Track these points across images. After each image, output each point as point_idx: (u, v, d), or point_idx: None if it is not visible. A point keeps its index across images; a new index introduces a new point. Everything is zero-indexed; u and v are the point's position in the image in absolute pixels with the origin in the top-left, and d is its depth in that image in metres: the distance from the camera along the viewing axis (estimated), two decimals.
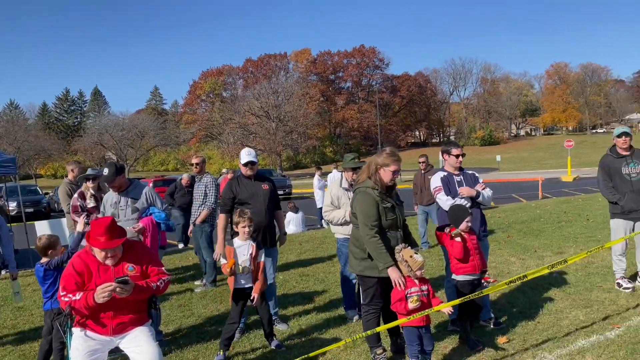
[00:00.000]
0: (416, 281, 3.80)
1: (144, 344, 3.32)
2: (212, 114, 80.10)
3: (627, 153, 5.82)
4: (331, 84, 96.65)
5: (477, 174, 5.12)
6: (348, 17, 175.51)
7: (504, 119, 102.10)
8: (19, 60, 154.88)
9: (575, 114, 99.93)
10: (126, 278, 3.19)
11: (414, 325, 3.74)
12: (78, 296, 3.19)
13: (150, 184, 13.59)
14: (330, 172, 13.53)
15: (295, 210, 12.66)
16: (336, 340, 4.55)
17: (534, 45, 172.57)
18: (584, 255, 4.56)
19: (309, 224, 13.39)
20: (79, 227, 4.82)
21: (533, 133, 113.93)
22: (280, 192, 25.52)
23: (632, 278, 6.06)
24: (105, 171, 5.13)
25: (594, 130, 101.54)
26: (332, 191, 5.53)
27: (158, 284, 3.43)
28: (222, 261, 4.51)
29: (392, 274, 3.78)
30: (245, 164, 5.21)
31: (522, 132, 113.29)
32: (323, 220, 12.27)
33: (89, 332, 3.33)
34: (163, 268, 3.60)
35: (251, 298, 4.46)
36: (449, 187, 4.93)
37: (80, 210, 6.21)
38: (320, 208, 11.48)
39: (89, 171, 6.51)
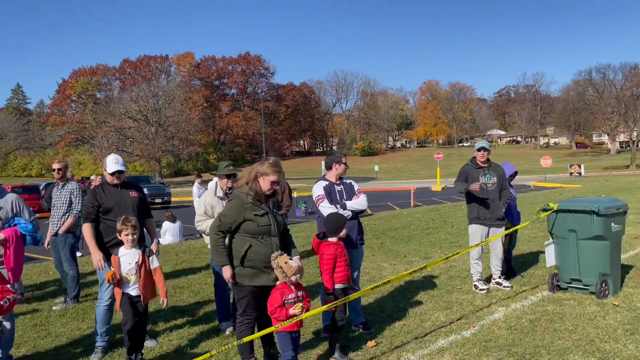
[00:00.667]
0: (292, 287, 3.81)
1: None
2: (84, 116, 74.86)
3: (485, 165, 6.42)
4: (216, 89, 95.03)
5: (353, 183, 5.29)
6: (233, 24, 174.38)
7: (382, 131, 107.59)
8: None
9: (444, 129, 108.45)
10: None
11: (287, 330, 3.74)
12: None
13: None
14: (212, 179, 13.21)
15: (173, 220, 12.15)
16: None
17: (410, 62, 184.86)
18: (441, 261, 4.90)
19: (187, 234, 12.93)
20: None
21: (408, 145, 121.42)
22: (158, 200, 24.16)
23: (488, 280, 6.64)
24: None
25: (460, 144, 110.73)
26: (206, 200, 5.37)
27: (1, 303, 3.07)
28: (106, 270, 4.38)
29: (225, 273, 3.93)
30: (112, 174, 4.87)
31: (398, 144, 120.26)
32: None
33: None
34: (9, 285, 3.22)
35: (162, 303, 4.44)
36: (330, 195, 5.04)
37: None
38: None
39: None
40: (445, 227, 12.30)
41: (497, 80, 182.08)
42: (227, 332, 5.16)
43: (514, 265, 7.27)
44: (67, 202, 6.76)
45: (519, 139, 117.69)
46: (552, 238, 6.15)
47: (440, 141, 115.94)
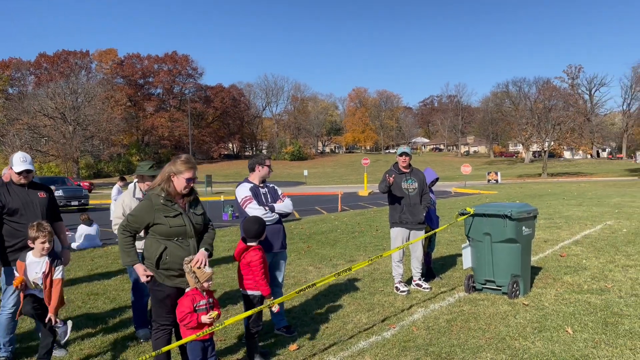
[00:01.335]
0: (204, 293, 3.69)
1: None
2: None
3: (407, 171, 6.60)
4: (140, 88, 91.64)
5: (277, 187, 5.25)
6: (160, 21, 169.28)
7: (311, 136, 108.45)
8: None
9: (372, 135, 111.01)
10: None
11: (200, 339, 3.61)
12: None
13: None
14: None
15: (89, 223, 11.52)
16: None
17: (339, 69, 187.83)
18: (366, 263, 4.97)
19: (105, 238, 12.31)
20: None
21: (337, 150, 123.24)
22: (75, 203, 22.87)
23: (409, 282, 6.81)
24: None
25: (387, 150, 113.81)
26: (124, 201, 5.13)
27: None
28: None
29: (138, 271, 3.75)
30: (20, 173, 4.50)
31: (327, 149, 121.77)
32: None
33: None
34: None
35: (46, 320, 4.04)
36: (257, 198, 4.96)
37: None
38: None
39: None
40: (371, 231, 12.53)
41: (422, 90, 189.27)
42: (143, 340, 4.94)
43: (434, 267, 7.52)
44: None
45: (442, 146, 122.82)
46: (469, 241, 6.42)
47: (368, 147, 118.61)
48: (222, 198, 20.23)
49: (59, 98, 54.33)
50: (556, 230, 11.49)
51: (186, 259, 3.68)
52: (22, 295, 4.10)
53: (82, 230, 11.40)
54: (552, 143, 58.97)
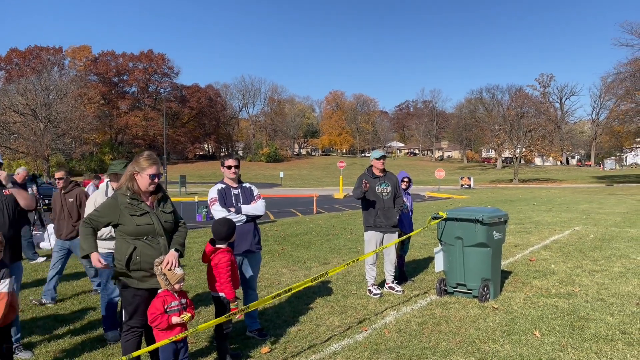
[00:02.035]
0: (175, 294, 3.64)
1: None
2: None
3: (381, 174, 6.63)
4: (114, 86, 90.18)
5: (253, 187, 5.20)
6: (136, 19, 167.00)
7: (288, 138, 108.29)
8: None
9: (348, 139, 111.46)
10: None
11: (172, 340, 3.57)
12: None
13: None
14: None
15: None
16: None
17: (316, 72, 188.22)
18: (342, 267, 4.98)
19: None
20: None
21: (313, 153, 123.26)
22: (45, 202, 22.31)
23: (382, 285, 6.86)
24: None
25: (363, 154, 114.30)
26: (96, 200, 5.05)
27: None
28: None
29: (94, 259, 3.63)
30: None
31: (304, 152, 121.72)
32: None
33: None
34: None
35: None
36: (225, 199, 4.91)
37: None
38: None
39: None
40: (345, 234, 12.58)
41: (398, 95, 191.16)
42: (112, 342, 4.86)
43: (406, 270, 7.59)
44: None
45: (417, 151, 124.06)
46: (441, 245, 6.50)
47: (344, 150, 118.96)
48: (196, 199, 20.05)
49: (30, 94, 52.95)
50: (526, 235, 11.72)
51: (156, 260, 3.62)
52: None
53: (52, 229, 11.13)
54: (524, 149, 60.13)
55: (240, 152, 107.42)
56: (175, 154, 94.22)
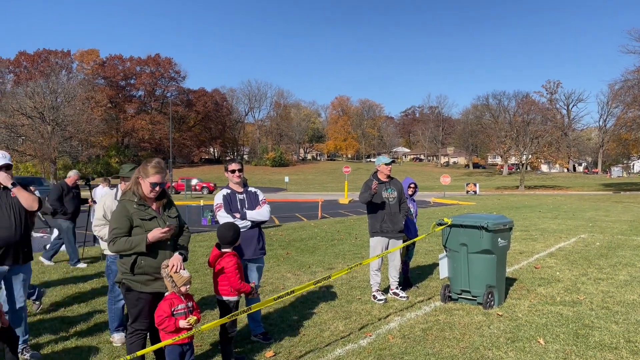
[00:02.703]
0: (182, 297, 3.68)
1: None
2: None
3: (387, 180, 6.66)
4: (121, 90, 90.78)
5: (258, 192, 5.24)
6: (144, 23, 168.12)
7: (294, 142, 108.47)
8: None
9: (354, 144, 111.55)
10: None
11: (177, 343, 3.60)
12: None
13: None
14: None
15: None
16: None
17: (322, 77, 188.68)
18: (345, 271, 5.00)
19: (82, 240, 12.11)
20: None
21: (318, 158, 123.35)
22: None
23: (386, 291, 6.87)
24: None
25: (368, 159, 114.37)
26: (105, 203, 5.09)
27: None
28: None
29: (155, 234, 3.63)
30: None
31: (309, 156, 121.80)
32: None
33: None
34: None
35: None
36: (230, 204, 4.95)
37: None
38: None
39: None
40: (350, 239, 12.59)
41: (404, 100, 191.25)
42: (118, 344, 4.90)
43: (411, 276, 7.60)
44: None
45: (422, 157, 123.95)
46: (446, 251, 6.51)
47: (349, 155, 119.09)
48: (201, 203, 20.10)
49: (38, 97, 53.34)
50: (531, 243, 11.69)
51: (163, 263, 3.67)
52: None
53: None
54: (530, 156, 59.95)
55: (245, 157, 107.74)
56: (181, 157, 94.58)
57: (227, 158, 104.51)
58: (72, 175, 9.44)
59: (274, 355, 4.60)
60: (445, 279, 6.75)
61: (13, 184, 4.54)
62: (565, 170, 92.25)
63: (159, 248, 3.74)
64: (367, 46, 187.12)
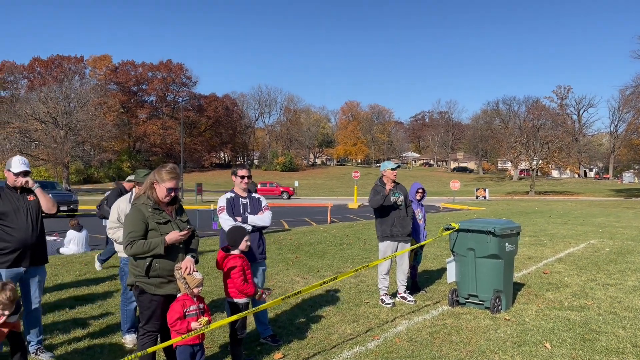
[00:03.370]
0: (194, 299, 3.78)
1: None
2: None
3: (393, 185, 6.73)
4: (133, 95, 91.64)
5: (262, 198, 5.33)
6: (156, 29, 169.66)
7: (303, 147, 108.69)
8: None
9: (363, 149, 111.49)
10: None
11: (188, 343, 3.69)
12: None
13: None
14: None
15: (79, 229, 11.53)
16: None
17: (332, 82, 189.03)
18: (352, 273, 5.08)
19: (94, 244, 12.31)
20: None
21: (328, 163, 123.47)
22: (64, 208, 22.88)
23: (394, 295, 6.92)
24: None
25: (377, 164, 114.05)
26: (119, 207, 5.20)
27: None
28: None
29: (172, 236, 3.77)
30: (18, 174, 4.63)
31: (319, 161, 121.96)
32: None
33: None
34: None
35: None
36: (232, 208, 5.04)
37: None
38: None
39: None
40: (359, 244, 12.65)
41: (414, 105, 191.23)
42: (130, 345, 5.01)
43: (419, 281, 7.64)
44: None
45: (432, 162, 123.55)
46: (453, 255, 6.55)
47: (359, 160, 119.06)
48: (212, 207, 20.24)
49: (52, 102, 53.99)
50: (541, 248, 11.67)
51: (176, 265, 3.78)
52: None
53: (71, 235, 11.41)
54: (540, 162, 59.57)
55: (255, 161, 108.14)
56: (192, 162, 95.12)
57: (237, 163, 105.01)
58: (131, 179, 9.49)
59: (282, 357, 4.67)
60: (452, 284, 6.79)
61: (36, 186, 4.73)
62: (576, 175, 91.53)
63: (172, 251, 3.84)
64: (377, 51, 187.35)
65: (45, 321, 5.82)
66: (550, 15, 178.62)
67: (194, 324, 3.67)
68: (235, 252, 4.37)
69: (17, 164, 4.64)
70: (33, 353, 4.70)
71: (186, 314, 3.71)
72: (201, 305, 3.84)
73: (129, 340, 5.10)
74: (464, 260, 6.36)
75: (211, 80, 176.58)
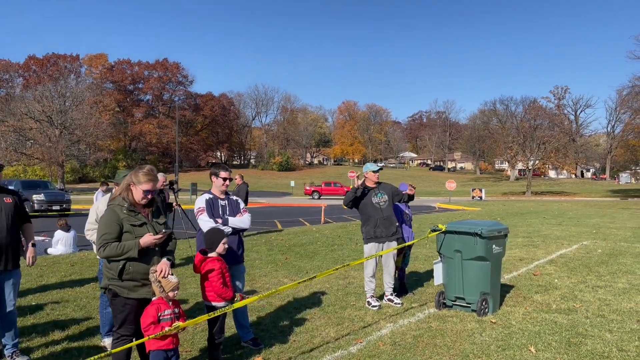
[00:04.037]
0: (169, 303, 3.69)
1: None
2: None
3: (375, 186, 6.66)
4: (129, 94, 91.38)
5: (240, 201, 5.23)
6: (152, 28, 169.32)
7: (300, 147, 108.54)
8: None
9: (360, 148, 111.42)
10: None
11: (162, 348, 3.61)
12: None
13: None
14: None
15: (67, 229, 11.42)
16: None
17: (329, 81, 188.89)
18: (331, 271, 5.00)
19: (82, 244, 12.17)
20: None
21: (325, 162, 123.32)
22: (56, 207, 22.69)
23: (381, 297, 6.84)
24: None
25: None
26: (98, 208, 5.10)
27: None
28: None
29: (146, 239, 3.67)
30: None
31: (316, 161, 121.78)
32: None
33: None
34: None
35: None
36: (212, 209, 4.94)
37: None
38: None
39: None
40: (350, 244, 12.56)
41: (411, 105, 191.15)
42: (109, 348, 4.91)
43: (407, 282, 7.56)
44: None
45: (429, 162, 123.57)
46: (441, 257, 6.48)
47: (356, 160, 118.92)
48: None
49: (47, 101, 53.68)
50: (532, 249, 11.61)
51: (152, 268, 3.69)
52: None
53: (59, 235, 11.30)
54: (537, 162, 59.63)
55: (252, 161, 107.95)
56: (188, 161, 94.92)
57: (236, 162, 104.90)
58: (159, 179, 9.39)
59: None
60: (440, 286, 6.71)
61: None
62: (573, 176, 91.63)
63: (147, 254, 3.75)
64: (374, 51, 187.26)
65: (24, 323, 5.73)
66: (548, 16, 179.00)
67: (167, 329, 3.58)
68: (213, 254, 4.28)
69: None
70: (8, 357, 4.61)
71: (160, 318, 3.63)
72: (176, 310, 3.75)
73: (107, 343, 5.01)
74: (451, 262, 6.28)
75: (208, 79, 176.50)
